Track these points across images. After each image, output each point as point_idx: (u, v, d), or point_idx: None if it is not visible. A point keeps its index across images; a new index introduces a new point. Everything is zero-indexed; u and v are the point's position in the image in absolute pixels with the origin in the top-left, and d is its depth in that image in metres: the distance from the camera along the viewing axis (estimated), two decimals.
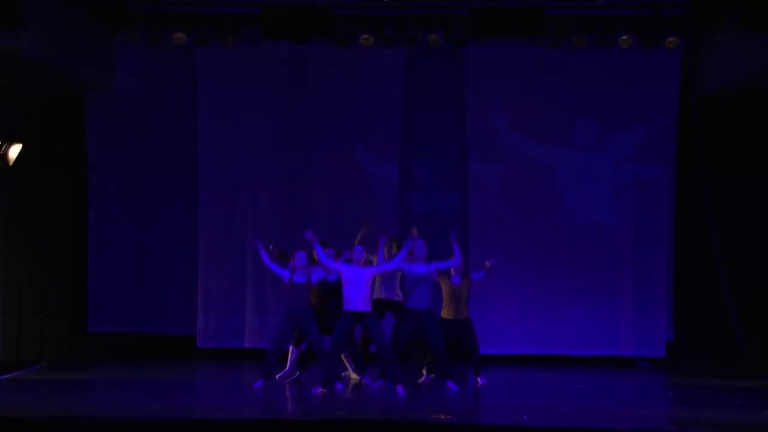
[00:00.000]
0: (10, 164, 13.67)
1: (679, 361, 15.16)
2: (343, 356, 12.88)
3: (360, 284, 11.69)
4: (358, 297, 11.68)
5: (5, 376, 12.88)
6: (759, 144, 15.06)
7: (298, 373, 12.83)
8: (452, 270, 12.60)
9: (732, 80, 13.96)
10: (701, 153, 15.10)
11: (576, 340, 15.36)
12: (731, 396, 11.98)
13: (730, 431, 9.86)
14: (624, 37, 14.76)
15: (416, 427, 10.06)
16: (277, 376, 12.83)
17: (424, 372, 12.96)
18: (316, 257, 12.07)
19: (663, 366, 15.17)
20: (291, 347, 12.90)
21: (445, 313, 12.63)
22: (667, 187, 15.45)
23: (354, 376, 13.03)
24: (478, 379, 12.80)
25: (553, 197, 15.60)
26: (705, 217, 15.10)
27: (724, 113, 15.16)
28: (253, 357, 14.32)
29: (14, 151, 13.67)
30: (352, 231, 15.40)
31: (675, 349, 15.37)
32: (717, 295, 15.04)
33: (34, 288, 14.58)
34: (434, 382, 12.76)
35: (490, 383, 12.81)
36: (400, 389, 11.70)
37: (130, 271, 15.85)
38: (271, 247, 12.62)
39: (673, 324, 15.49)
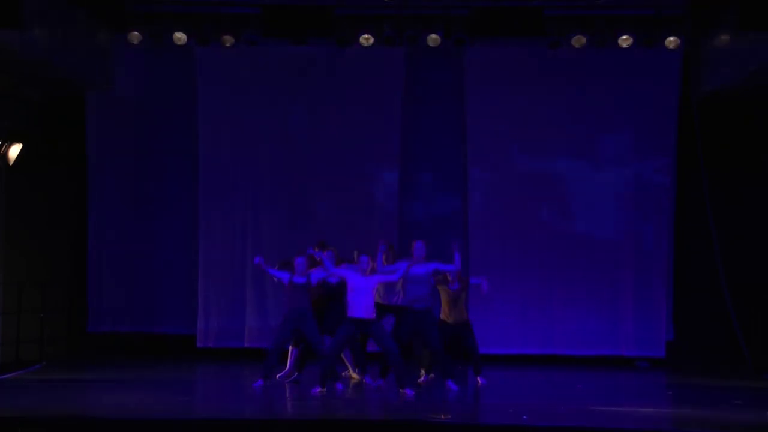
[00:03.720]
0: (10, 164, 13.66)
1: (679, 361, 15.15)
2: (342, 355, 12.88)
3: (365, 293, 11.71)
4: (362, 305, 11.69)
5: (5, 376, 12.88)
6: (759, 144, 15.05)
7: (297, 373, 12.84)
8: (450, 276, 12.64)
9: (732, 80, 13.94)
10: (701, 153, 15.09)
11: (576, 340, 15.35)
12: (731, 396, 11.98)
13: (730, 431, 9.87)
14: (624, 37, 14.77)
15: (416, 427, 10.06)
16: (277, 376, 12.83)
17: (423, 372, 12.98)
18: (321, 264, 12.10)
19: (663, 366, 15.17)
20: (290, 347, 12.92)
21: (445, 316, 12.66)
22: (667, 187, 15.44)
23: (354, 375, 13.02)
24: (478, 379, 12.80)
25: (553, 198, 15.58)
26: (705, 217, 15.09)
27: (724, 113, 15.15)
28: (253, 357, 14.31)
29: (14, 151, 13.66)
30: (352, 230, 15.48)
31: (675, 349, 15.36)
32: (717, 295, 15.02)
33: (34, 288, 14.57)
34: (434, 382, 12.77)
35: (490, 383, 12.80)
36: (408, 391, 11.72)
37: (130, 270, 15.83)
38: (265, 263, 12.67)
39: (673, 324, 15.48)
